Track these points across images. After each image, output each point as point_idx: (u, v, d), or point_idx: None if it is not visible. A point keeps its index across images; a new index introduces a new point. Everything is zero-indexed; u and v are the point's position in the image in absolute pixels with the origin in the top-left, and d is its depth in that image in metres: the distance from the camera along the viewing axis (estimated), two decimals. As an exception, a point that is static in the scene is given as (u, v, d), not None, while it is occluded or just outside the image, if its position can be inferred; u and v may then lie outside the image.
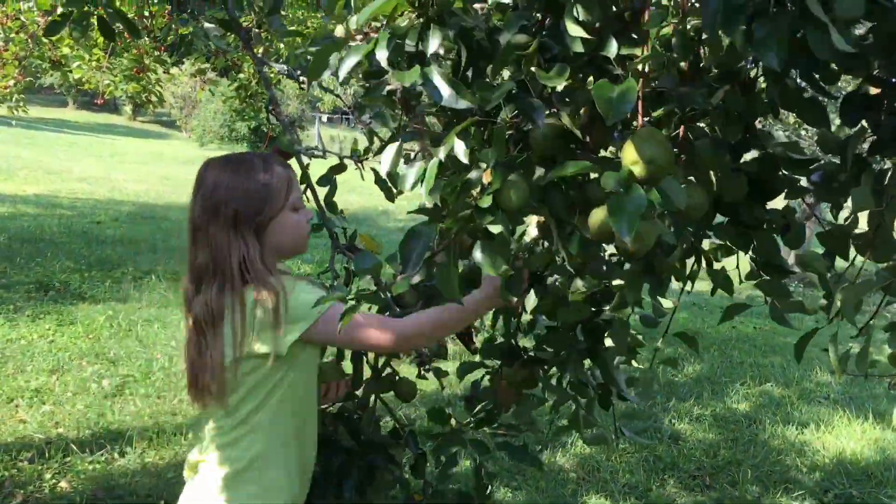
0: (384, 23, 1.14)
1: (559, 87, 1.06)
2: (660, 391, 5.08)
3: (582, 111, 1.16)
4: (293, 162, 1.93)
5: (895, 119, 1.12)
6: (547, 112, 1.12)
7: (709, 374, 5.63)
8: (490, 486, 1.73)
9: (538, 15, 1.13)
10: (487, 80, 1.17)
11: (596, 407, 1.66)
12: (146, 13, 4.50)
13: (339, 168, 1.82)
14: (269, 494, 1.47)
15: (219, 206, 1.44)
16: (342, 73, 1.13)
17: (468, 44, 1.13)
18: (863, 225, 1.26)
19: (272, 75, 5.20)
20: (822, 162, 1.25)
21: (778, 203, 1.35)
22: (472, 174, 1.06)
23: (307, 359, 1.50)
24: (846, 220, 1.25)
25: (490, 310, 1.56)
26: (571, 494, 3.53)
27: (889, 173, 1.16)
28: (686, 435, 4.38)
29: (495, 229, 1.14)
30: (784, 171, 1.27)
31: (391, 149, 1.29)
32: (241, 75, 5.99)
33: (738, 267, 1.52)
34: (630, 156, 0.93)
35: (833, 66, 1.00)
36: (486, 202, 1.05)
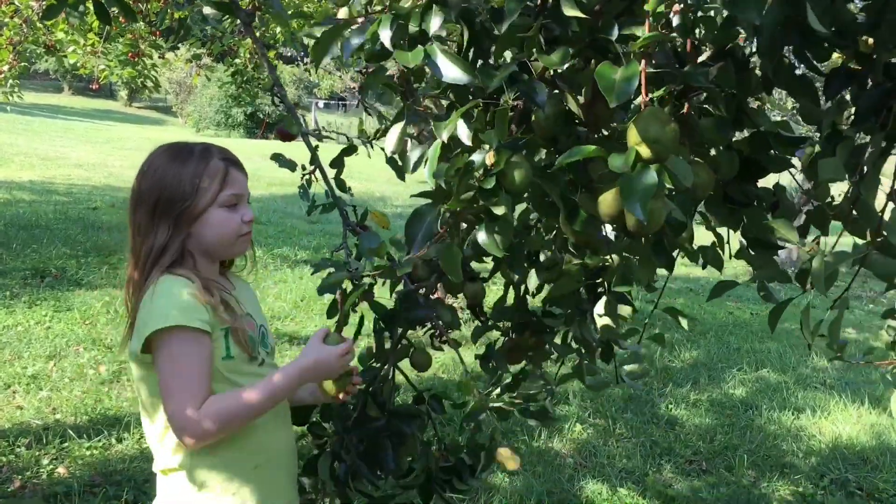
0: (388, 4, 1.13)
1: (561, 70, 1.07)
2: (656, 377, 5.09)
3: (583, 91, 1.16)
4: (295, 145, 1.91)
5: (875, 91, 1.13)
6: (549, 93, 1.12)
7: (705, 360, 5.65)
8: (494, 450, 1.75)
9: None
10: (490, 61, 1.17)
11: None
12: (141, -3, 4.47)
13: (350, 150, 1.82)
14: (221, 487, 1.39)
15: (143, 192, 1.41)
16: (347, 54, 1.14)
17: (470, 25, 1.14)
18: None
19: (271, 56, 5.17)
20: (812, 139, 1.26)
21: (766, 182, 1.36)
22: (476, 156, 1.07)
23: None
24: (825, 195, 1.25)
25: (305, 383, 1.42)
26: (568, 479, 3.55)
27: (868, 148, 1.17)
28: (683, 420, 4.40)
29: (498, 210, 1.15)
30: (775, 151, 1.28)
31: (395, 130, 1.30)
32: (237, 60, 5.96)
33: (728, 243, 1.54)
34: (635, 136, 0.94)
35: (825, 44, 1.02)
36: (490, 184, 1.06)
